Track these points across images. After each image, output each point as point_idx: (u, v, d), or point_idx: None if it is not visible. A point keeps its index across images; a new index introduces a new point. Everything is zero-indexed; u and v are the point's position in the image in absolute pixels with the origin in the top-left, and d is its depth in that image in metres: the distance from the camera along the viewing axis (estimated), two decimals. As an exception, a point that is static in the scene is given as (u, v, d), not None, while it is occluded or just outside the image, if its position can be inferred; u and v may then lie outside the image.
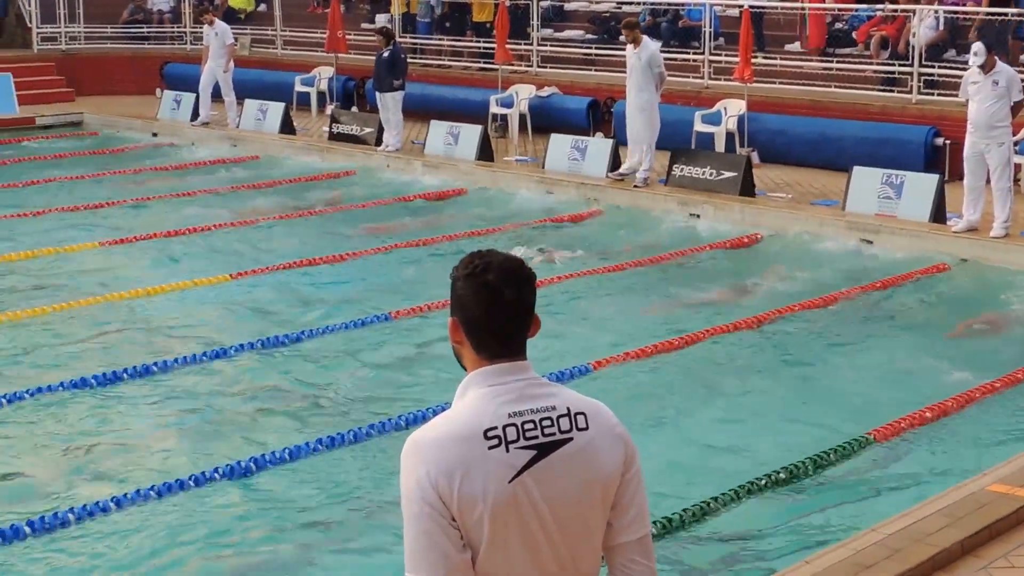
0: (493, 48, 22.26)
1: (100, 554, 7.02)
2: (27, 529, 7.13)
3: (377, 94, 19.75)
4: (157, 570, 6.87)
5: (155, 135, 22.93)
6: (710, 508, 7.31)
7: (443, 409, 8.12)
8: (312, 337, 10.82)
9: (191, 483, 7.74)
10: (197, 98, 22.90)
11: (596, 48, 22.68)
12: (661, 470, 7.74)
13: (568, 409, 2.97)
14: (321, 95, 24.46)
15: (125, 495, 7.52)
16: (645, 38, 17.02)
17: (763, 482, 7.64)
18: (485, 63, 23.51)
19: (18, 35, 27.96)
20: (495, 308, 2.97)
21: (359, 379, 9.89)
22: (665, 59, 19.59)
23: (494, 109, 21.51)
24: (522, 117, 21.23)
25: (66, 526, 7.23)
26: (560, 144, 18.20)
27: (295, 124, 22.09)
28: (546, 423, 2.93)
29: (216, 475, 7.84)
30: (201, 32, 23.92)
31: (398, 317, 11.34)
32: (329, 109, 22.92)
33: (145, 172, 19.34)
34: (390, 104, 19.52)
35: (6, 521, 7.23)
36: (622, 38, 17.51)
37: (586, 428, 2.97)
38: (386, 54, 19.41)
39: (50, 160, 20.40)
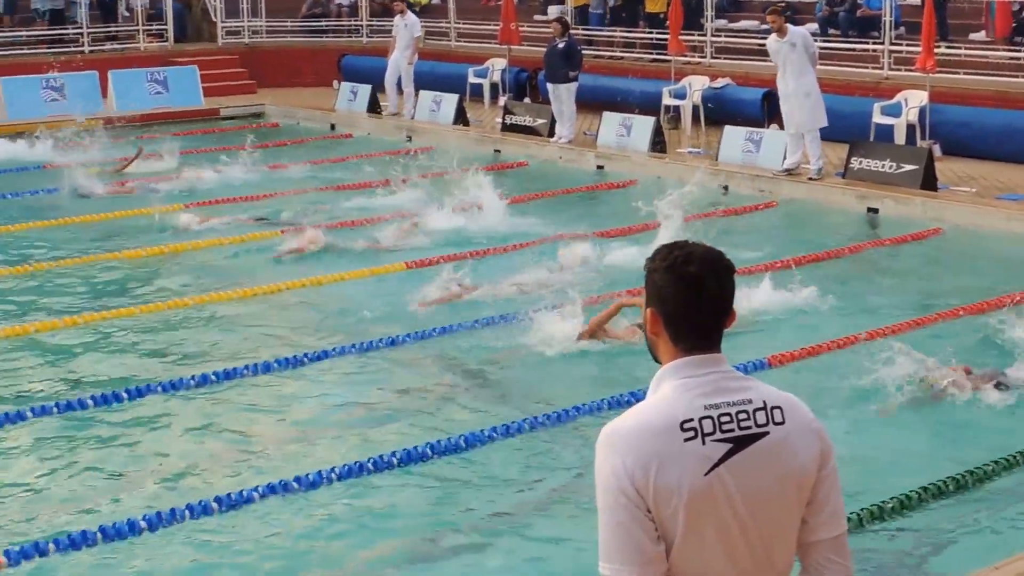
0: (666, 39, 22.14)
1: (279, 533, 7.24)
2: (214, 505, 7.38)
3: (550, 85, 19.81)
4: (333, 552, 7.05)
5: (333, 127, 23.42)
6: (888, 509, 7.17)
7: (613, 401, 8.12)
8: (486, 326, 10.90)
9: (369, 466, 7.90)
10: (373, 90, 23.31)
11: (772, 38, 22.34)
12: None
13: (764, 403, 2.96)
14: (494, 86, 24.67)
15: (306, 476, 7.72)
16: (788, 25, 16.72)
17: (945, 484, 7.46)
18: (658, 54, 23.40)
19: (204, 29, 28.88)
20: (697, 300, 2.96)
21: (531, 369, 9.95)
22: (843, 50, 19.25)
23: (667, 100, 21.40)
24: (695, 108, 21.08)
25: (250, 502, 7.46)
26: (734, 136, 18.02)
27: (468, 115, 22.31)
28: (742, 416, 2.92)
29: (393, 460, 8.00)
30: (378, 25, 24.33)
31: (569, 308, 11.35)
32: (502, 100, 23.09)
33: (323, 163, 19.75)
34: (564, 95, 19.57)
35: (194, 496, 7.50)
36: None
37: (782, 422, 2.95)
38: (561, 45, 19.46)
39: (233, 151, 20.97)
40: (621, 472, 2.85)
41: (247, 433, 8.77)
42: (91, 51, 26.45)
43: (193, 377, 9.62)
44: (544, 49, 20.70)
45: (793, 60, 16.16)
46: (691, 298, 2.96)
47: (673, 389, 2.95)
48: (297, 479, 7.69)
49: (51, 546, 6.90)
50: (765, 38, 22.30)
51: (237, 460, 8.31)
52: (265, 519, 7.36)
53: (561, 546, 6.99)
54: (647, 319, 3.04)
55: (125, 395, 9.29)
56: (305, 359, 10.08)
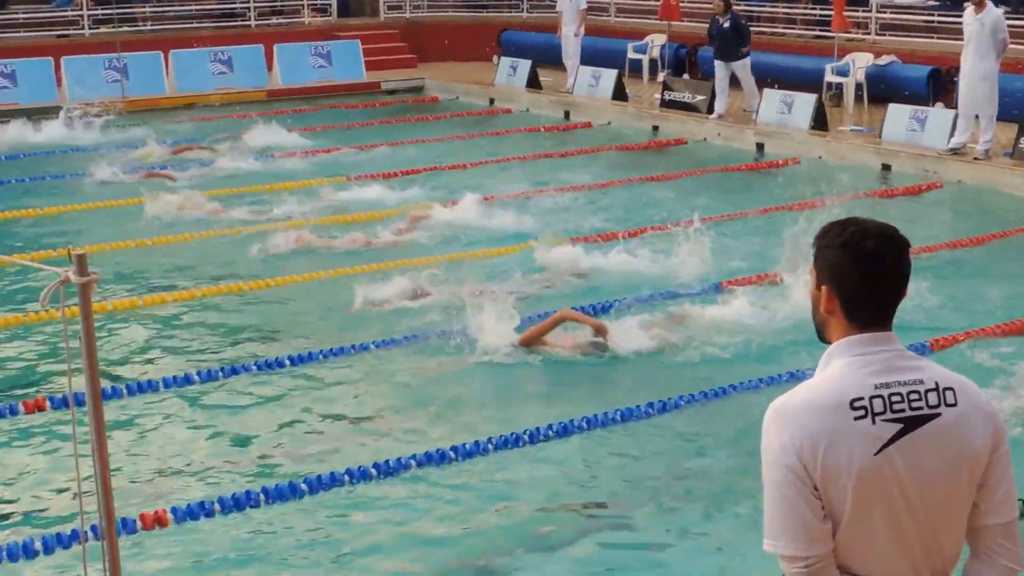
0: (830, 15, 21.73)
1: (432, 500, 7.38)
2: (373, 471, 7.55)
3: (720, 63, 19.64)
4: (478, 521, 7.17)
5: (492, 101, 23.56)
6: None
7: (755, 382, 7.95)
8: (636, 305, 10.83)
9: (525, 437, 8.00)
10: (533, 65, 23.38)
11: (939, 15, 21.79)
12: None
13: (936, 384, 2.92)
14: (653, 62, 24.52)
15: (463, 445, 7.86)
16: (989, 2, 16.22)
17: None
18: (821, 31, 22.99)
19: (366, 4, 29.26)
20: (875, 276, 2.93)
21: (685, 348, 9.88)
22: (1015, 27, 18.63)
23: (829, 78, 21.02)
24: (858, 86, 20.68)
25: (407, 468, 7.62)
26: (898, 114, 17.62)
27: (627, 91, 22.23)
28: (913, 396, 2.88)
29: (550, 432, 8.10)
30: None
31: (727, 287, 11.28)
32: (661, 76, 22.95)
33: (482, 137, 19.89)
34: (740, 71, 19.59)
35: (353, 461, 7.69)
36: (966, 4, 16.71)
37: (955, 404, 2.91)
38: (727, 23, 19.35)
39: (393, 124, 21.29)
40: (789, 448, 2.84)
41: (400, 402, 8.95)
42: (257, 25, 27.05)
43: (353, 346, 9.84)
44: (704, 25, 20.53)
45: (979, 40, 15.71)
46: (870, 275, 2.93)
47: (844, 366, 2.92)
48: (454, 448, 7.82)
49: (216, 506, 7.13)
50: (931, 15, 21.87)
51: (389, 429, 8.47)
52: (420, 486, 7.51)
53: (732, 522, 6.99)
54: (820, 298, 3.00)
55: (287, 361, 9.57)
56: (447, 335, 10.17)
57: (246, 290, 11.52)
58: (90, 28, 25.63)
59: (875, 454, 2.84)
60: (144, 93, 23.09)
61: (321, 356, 9.69)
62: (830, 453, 2.83)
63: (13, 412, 8.58)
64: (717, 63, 19.70)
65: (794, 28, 24.17)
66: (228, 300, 11.35)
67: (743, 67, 19.63)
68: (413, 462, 7.66)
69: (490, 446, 7.89)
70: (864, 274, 2.93)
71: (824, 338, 3.05)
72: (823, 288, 3.00)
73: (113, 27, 25.53)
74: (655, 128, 20.37)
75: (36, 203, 15.25)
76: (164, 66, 23.65)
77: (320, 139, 19.37)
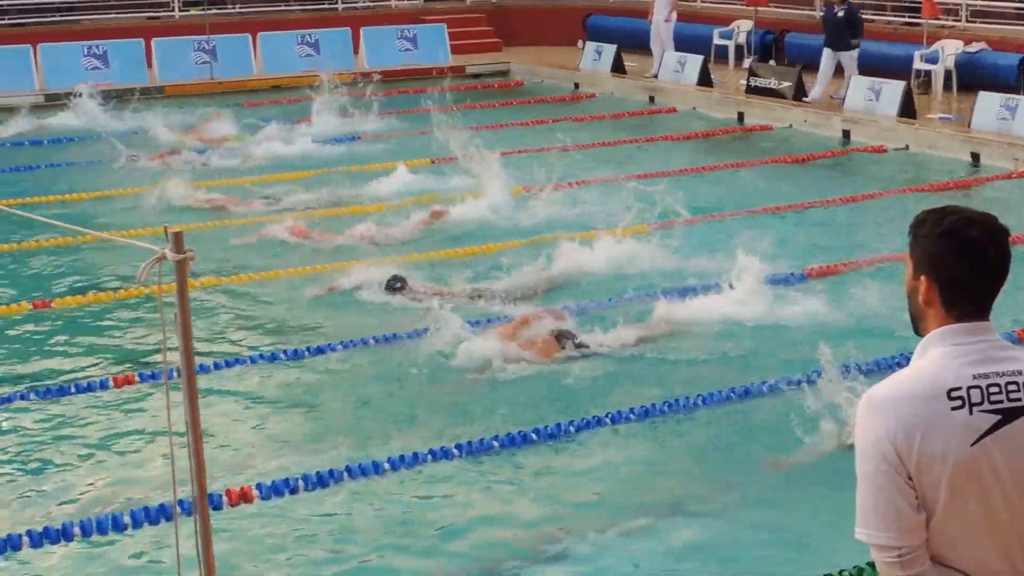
0: (920, 2, 21.41)
1: (509, 482, 7.42)
2: (455, 451, 7.63)
3: (828, 51, 19.48)
4: (569, 506, 7.19)
5: (576, 86, 23.51)
6: None
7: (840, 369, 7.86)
8: (722, 290, 10.75)
9: (606, 420, 8.01)
10: (618, 49, 23.30)
11: (1033, 1, 21.40)
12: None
13: (1034, 375, 2.88)
14: (739, 48, 24.32)
15: (545, 427, 7.91)
16: None
17: None
18: (910, 17, 22.67)
19: (452, -13, 29.32)
20: (978, 266, 2.88)
21: (771, 336, 9.83)
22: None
23: (918, 65, 20.70)
24: (947, 73, 20.36)
25: (489, 449, 7.69)
26: (988, 102, 17.31)
27: (713, 77, 22.07)
28: (1011, 387, 2.85)
29: (631, 416, 8.12)
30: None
31: (813, 276, 11.19)
32: (747, 62, 22.76)
33: (566, 122, 19.85)
34: (847, 62, 19.56)
35: (437, 442, 7.76)
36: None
37: (1051, 396, 2.87)
38: (841, 13, 19.27)
39: (478, 108, 21.32)
40: (884, 438, 2.81)
41: (481, 385, 9.00)
42: (344, 8, 27.22)
43: (438, 327, 9.89)
44: (791, 11, 20.32)
45: None
46: (973, 264, 2.88)
47: (940, 356, 2.88)
48: (536, 431, 7.87)
49: (300, 483, 7.23)
50: (1023, 1, 21.48)
51: (472, 410, 8.52)
52: (502, 467, 7.57)
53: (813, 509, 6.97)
54: (918, 288, 2.95)
55: (372, 341, 9.65)
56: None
57: (328, 271, 11.62)
58: (180, 10, 25.96)
59: (972, 445, 2.81)
60: (232, 75, 23.38)
61: (406, 337, 9.76)
62: (925, 443, 2.80)
63: (104, 387, 8.76)
64: (825, 51, 19.55)
65: (884, 14, 23.85)
66: (305, 281, 11.44)
67: (851, 57, 19.54)
68: (496, 443, 7.72)
69: (572, 428, 7.93)
70: (967, 264, 2.88)
71: (919, 330, 3.00)
72: (921, 279, 2.94)
73: (203, 9, 25.83)
74: (740, 115, 20.20)
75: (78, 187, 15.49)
76: (252, 49, 23.89)
77: (405, 122, 19.46)
